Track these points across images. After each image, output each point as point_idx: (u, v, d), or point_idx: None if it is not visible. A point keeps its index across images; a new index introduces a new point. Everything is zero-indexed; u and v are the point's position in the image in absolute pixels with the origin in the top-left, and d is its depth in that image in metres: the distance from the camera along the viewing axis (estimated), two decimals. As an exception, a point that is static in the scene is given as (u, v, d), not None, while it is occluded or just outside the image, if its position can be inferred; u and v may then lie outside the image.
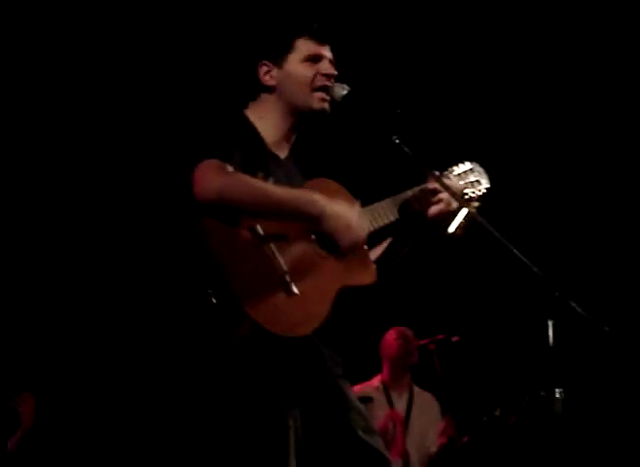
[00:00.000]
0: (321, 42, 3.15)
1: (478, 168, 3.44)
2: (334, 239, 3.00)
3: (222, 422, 2.90)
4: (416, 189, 3.30)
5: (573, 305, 2.92)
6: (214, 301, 2.82)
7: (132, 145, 5.90)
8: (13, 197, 5.88)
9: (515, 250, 2.99)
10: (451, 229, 3.28)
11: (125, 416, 5.92)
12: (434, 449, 5.87)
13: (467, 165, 3.44)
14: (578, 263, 6.46)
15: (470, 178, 3.41)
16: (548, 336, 2.92)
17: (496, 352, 6.68)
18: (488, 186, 3.43)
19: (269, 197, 2.89)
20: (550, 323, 2.92)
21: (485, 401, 6.07)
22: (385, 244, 3.33)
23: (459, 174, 3.41)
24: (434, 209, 3.27)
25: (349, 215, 3.01)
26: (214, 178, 2.84)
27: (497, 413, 5.73)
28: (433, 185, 3.26)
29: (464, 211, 3.28)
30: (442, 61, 6.35)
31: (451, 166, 3.44)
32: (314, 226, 2.99)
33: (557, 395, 2.92)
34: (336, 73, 3.16)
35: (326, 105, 3.14)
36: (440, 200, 3.27)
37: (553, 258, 5.56)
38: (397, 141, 3.11)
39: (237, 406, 2.88)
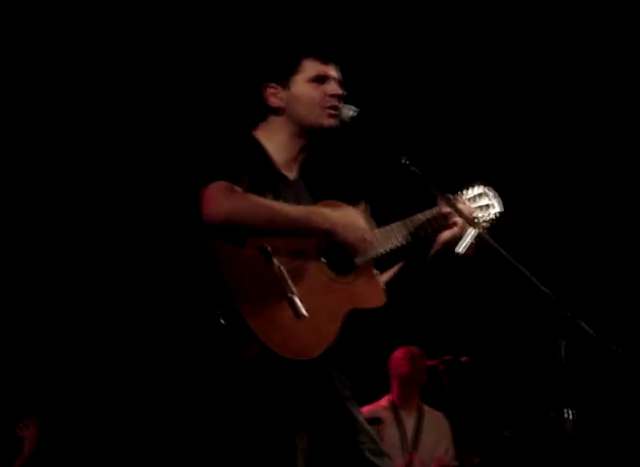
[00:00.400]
0: (328, 62, 3.15)
1: (490, 192, 3.42)
2: (348, 249, 3.00)
3: (230, 444, 2.88)
4: (428, 212, 3.29)
5: (583, 325, 2.91)
6: (222, 322, 2.81)
7: (143, 166, 5.90)
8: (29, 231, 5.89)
9: (524, 270, 2.98)
10: (461, 249, 3.27)
11: (130, 439, 5.88)
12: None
13: (479, 189, 3.42)
14: (588, 283, 6.45)
15: (481, 202, 3.40)
16: (558, 356, 2.90)
17: (506, 373, 6.66)
18: (501, 210, 3.42)
19: (279, 216, 2.89)
20: (560, 343, 2.90)
21: (495, 422, 6.04)
22: (396, 268, 3.32)
23: (471, 198, 3.39)
24: (447, 234, 3.27)
25: (358, 222, 3.01)
26: (223, 200, 2.84)
27: (507, 434, 5.71)
28: (445, 209, 3.26)
29: (473, 232, 3.27)
30: (451, 83, 6.35)
31: (463, 189, 3.43)
32: (322, 245, 2.99)
33: (568, 416, 2.91)
34: (343, 93, 3.15)
35: (335, 121, 3.13)
36: (454, 224, 3.27)
37: (563, 278, 5.55)
38: (406, 162, 3.10)
39: (246, 427, 2.86)
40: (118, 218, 5.98)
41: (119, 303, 5.98)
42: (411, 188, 3.13)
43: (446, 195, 3.21)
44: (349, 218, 3.01)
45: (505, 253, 3.04)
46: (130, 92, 5.85)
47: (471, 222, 3.25)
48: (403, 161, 3.10)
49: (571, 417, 2.89)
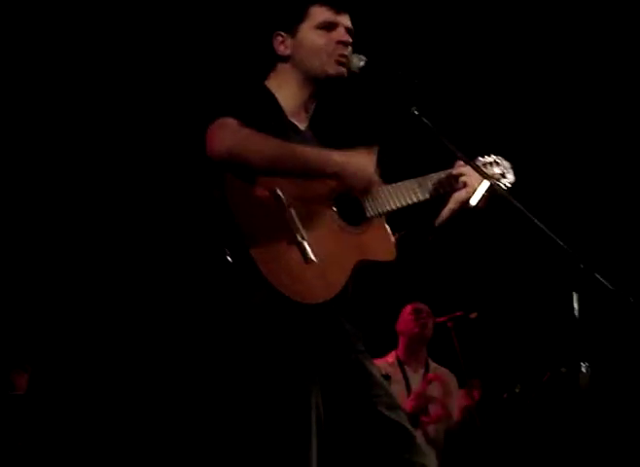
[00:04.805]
0: (337, 10, 3.11)
1: (503, 162, 3.40)
2: (355, 193, 2.98)
3: (241, 399, 2.84)
4: (442, 172, 3.28)
5: (598, 276, 2.87)
6: (230, 260, 2.78)
7: (151, 107, 5.84)
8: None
9: (537, 222, 2.95)
10: (473, 201, 3.24)
11: (135, 390, 5.84)
12: (454, 418, 5.84)
13: (492, 158, 3.39)
14: (602, 234, 6.40)
15: (494, 170, 3.37)
16: (572, 309, 2.87)
17: (516, 328, 6.64)
18: (513, 180, 3.38)
19: (286, 154, 2.85)
20: (574, 296, 2.87)
21: (505, 378, 6.04)
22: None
23: (484, 165, 3.35)
24: (460, 194, 3.26)
25: (368, 168, 2.97)
26: (228, 135, 2.80)
27: (517, 390, 5.70)
28: (458, 170, 3.26)
29: (486, 184, 3.23)
30: (460, 31, 6.27)
31: (475, 157, 3.36)
32: (334, 194, 2.97)
33: (584, 369, 2.88)
34: (350, 40, 3.11)
35: (342, 69, 3.09)
36: (465, 185, 3.26)
37: (577, 229, 5.51)
38: (416, 112, 3.06)
39: (258, 383, 2.82)
40: (127, 159, 5.92)
41: (124, 236, 5.91)
42: (422, 139, 3.09)
43: (456, 147, 3.16)
44: (359, 164, 2.95)
45: (518, 204, 3.01)
46: (140, 46, 5.79)
47: (483, 173, 3.22)
48: (413, 111, 3.06)
49: (586, 371, 2.86)
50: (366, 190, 2.99)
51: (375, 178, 3.01)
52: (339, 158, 2.92)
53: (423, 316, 5.91)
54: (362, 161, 2.96)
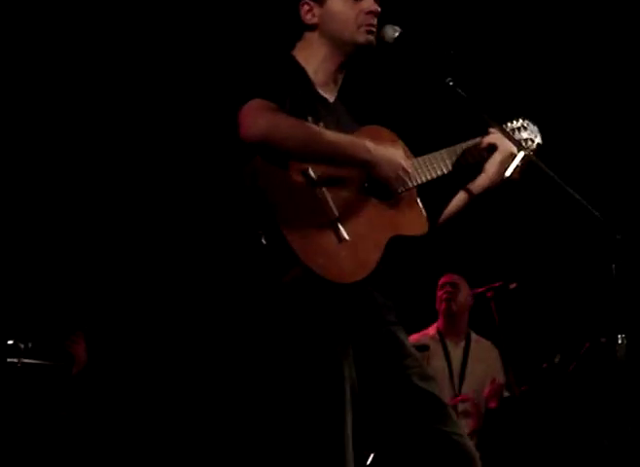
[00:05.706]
0: None
1: (531, 126, 3.35)
2: (386, 183, 2.97)
3: (276, 372, 2.86)
4: (471, 141, 3.24)
5: (635, 247, 2.86)
6: (264, 242, 2.79)
7: (181, 87, 5.86)
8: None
9: (574, 193, 2.94)
10: (508, 172, 3.22)
11: (175, 356, 5.88)
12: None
13: (519, 122, 3.35)
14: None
15: (522, 135, 3.32)
16: (609, 280, 2.86)
17: (555, 298, 6.61)
18: (540, 143, 3.33)
19: (318, 140, 2.84)
20: (612, 267, 2.86)
21: (544, 348, 6.01)
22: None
23: (512, 130, 3.31)
24: (494, 161, 3.21)
25: (398, 159, 2.97)
26: (261, 118, 2.78)
27: (556, 360, 5.68)
28: (488, 137, 3.22)
29: (520, 154, 3.21)
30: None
31: (504, 122, 3.32)
32: (364, 171, 2.95)
33: (620, 341, 2.87)
34: (379, 10, 3.07)
35: (371, 38, 3.05)
36: (496, 149, 3.21)
37: (615, 200, 5.46)
38: (451, 83, 3.05)
39: (292, 355, 2.83)
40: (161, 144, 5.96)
41: (162, 220, 5.96)
42: (456, 109, 3.07)
43: (490, 117, 3.14)
44: (390, 152, 2.96)
45: (554, 175, 2.99)
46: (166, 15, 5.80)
47: (518, 144, 3.20)
48: (448, 82, 3.05)
49: (623, 342, 2.85)
50: (396, 180, 2.97)
51: (408, 169, 3.00)
52: (372, 145, 2.92)
53: (448, 290, 5.88)
54: (391, 151, 2.97)
